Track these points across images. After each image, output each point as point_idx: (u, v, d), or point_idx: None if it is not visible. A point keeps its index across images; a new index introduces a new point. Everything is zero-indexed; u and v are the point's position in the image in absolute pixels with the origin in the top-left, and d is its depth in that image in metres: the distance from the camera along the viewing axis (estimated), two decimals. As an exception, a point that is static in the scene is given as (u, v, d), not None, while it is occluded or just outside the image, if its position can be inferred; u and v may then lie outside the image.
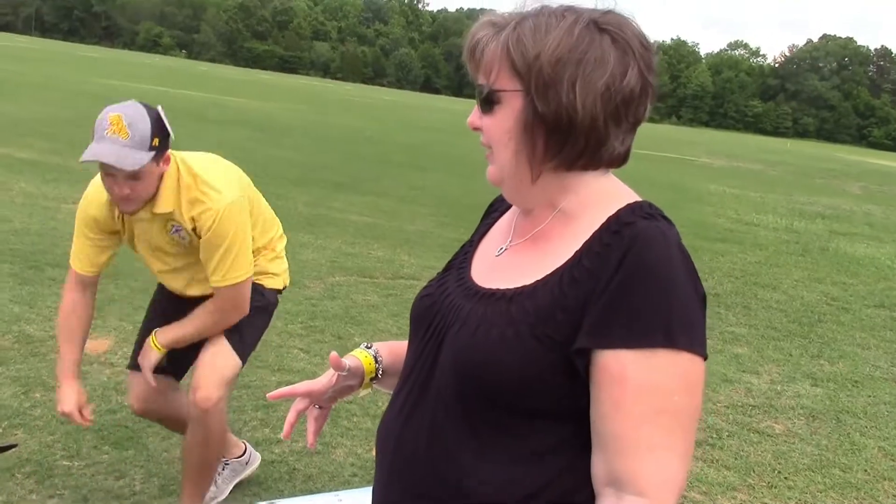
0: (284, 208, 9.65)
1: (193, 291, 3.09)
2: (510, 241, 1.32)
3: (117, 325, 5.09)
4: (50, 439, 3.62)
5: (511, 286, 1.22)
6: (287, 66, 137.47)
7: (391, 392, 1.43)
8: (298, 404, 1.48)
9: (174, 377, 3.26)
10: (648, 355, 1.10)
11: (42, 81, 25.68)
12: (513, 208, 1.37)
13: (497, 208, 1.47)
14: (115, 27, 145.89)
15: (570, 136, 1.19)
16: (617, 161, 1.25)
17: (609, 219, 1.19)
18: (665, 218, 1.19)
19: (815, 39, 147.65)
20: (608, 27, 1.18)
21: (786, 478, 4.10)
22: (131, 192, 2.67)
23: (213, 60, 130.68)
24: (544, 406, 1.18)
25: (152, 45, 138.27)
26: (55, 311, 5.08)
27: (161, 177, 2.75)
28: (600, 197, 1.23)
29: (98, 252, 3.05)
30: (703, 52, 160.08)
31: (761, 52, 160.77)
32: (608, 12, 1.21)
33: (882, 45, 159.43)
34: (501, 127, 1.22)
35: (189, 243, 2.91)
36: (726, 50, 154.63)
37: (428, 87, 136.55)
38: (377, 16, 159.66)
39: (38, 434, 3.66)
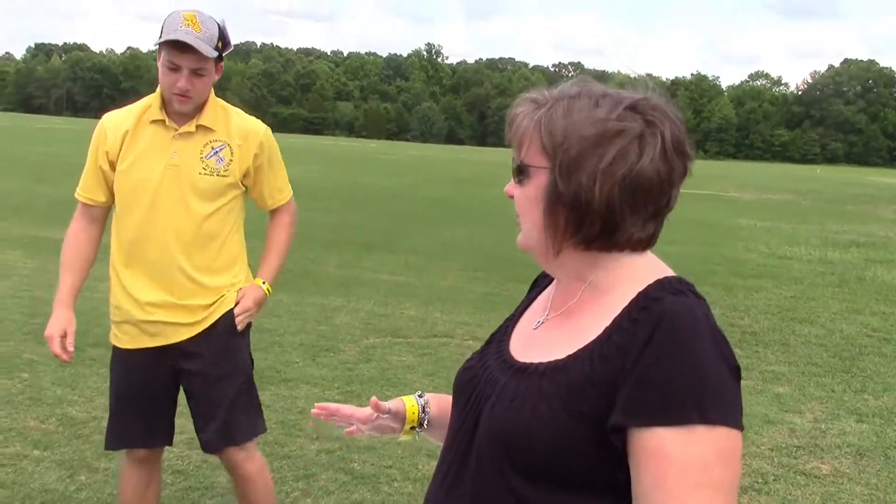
0: (316, 272, 9.77)
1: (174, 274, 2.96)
2: (546, 315, 1.37)
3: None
4: (96, 522, 3.66)
5: (544, 360, 1.26)
6: (312, 127, 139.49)
7: (438, 443, 1.51)
8: (338, 419, 1.63)
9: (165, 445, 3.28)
10: (685, 432, 1.12)
11: (77, 161, 26.19)
12: (554, 282, 1.42)
13: (541, 283, 1.52)
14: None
15: (587, 218, 1.24)
16: (638, 246, 1.29)
17: (638, 294, 1.22)
18: (695, 293, 1.23)
19: (837, 64, 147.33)
20: (643, 112, 1.24)
21: (836, 520, 4.02)
22: (191, 87, 2.79)
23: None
24: (580, 479, 1.20)
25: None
26: (97, 392, 5.20)
27: (211, 88, 2.89)
28: (631, 272, 1.27)
29: (101, 176, 2.99)
30: (724, 84, 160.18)
31: (783, 81, 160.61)
32: (647, 99, 1.26)
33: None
34: (528, 199, 1.29)
35: (225, 169, 2.93)
36: (748, 81, 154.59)
37: (452, 138, 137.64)
38: (398, 72, 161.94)
39: (84, 518, 3.70)
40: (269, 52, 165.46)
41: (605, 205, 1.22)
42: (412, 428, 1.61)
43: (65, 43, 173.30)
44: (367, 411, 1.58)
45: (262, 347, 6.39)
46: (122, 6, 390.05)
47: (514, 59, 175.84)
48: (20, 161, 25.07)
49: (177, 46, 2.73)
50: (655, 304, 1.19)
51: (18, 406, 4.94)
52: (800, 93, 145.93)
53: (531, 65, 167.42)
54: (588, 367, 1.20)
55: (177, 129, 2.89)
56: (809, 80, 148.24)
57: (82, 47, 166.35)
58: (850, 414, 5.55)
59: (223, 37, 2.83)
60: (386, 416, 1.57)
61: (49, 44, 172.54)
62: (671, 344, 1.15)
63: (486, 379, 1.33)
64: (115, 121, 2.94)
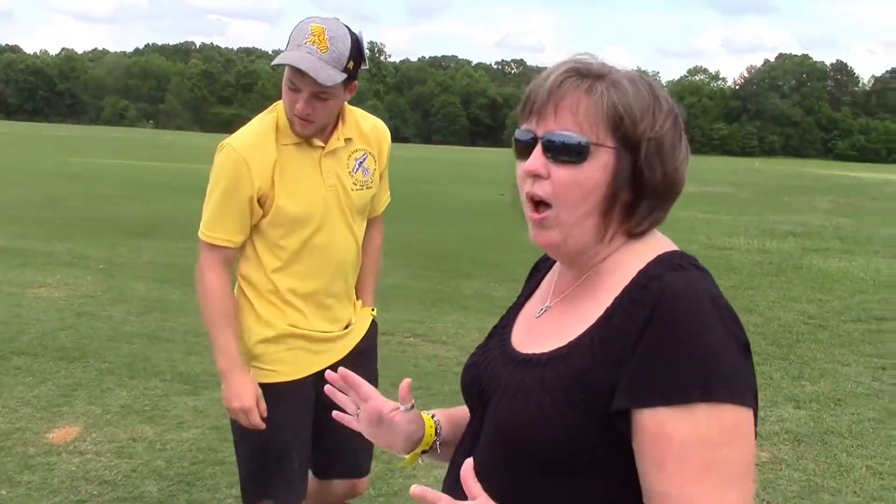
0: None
1: (347, 278, 2.76)
2: (549, 302, 1.31)
3: (86, 409, 4.97)
4: (16, 538, 3.50)
5: (546, 350, 1.21)
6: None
7: (445, 463, 1.42)
8: (354, 398, 1.45)
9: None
10: (688, 411, 1.07)
11: (6, 165, 25.54)
12: (555, 267, 1.36)
13: (541, 268, 1.45)
14: (79, 104, 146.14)
15: (663, 203, 1.22)
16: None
17: (638, 273, 1.17)
18: (697, 266, 1.18)
19: (772, 59, 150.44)
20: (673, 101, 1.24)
21: (775, 508, 4.03)
22: (312, 112, 2.48)
23: (180, 128, 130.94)
24: (589, 468, 1.15)
25: (119, 119, 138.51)
26: (21, 402, 5.01)
27: (342, 107, 2.61)
28: (633, 250, 1.23)
29: (247, 215, 2.59)
30: (664, 80, 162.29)
31: (721, 76, 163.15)
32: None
33: (838, 60, 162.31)
34: (582, 181, 1.18)
35: (371, 180, 2.73)
36: (686, 76, 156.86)
37: (397, 136, 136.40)
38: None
39: (3, 534, 3.54)
40: (209, 53, 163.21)
41: (680, 190, 1.22)
42: (423, 451, 1.44)
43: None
44: (390, 404, 1.41)
45: (196, 351, 6.25)
46: (54, 6, 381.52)
47: (456, 56, 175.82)
48: (-52, 166, 24.26)
49: (296, 70, 2.42)
50: (654, 283, 1.14)
51: (-63, 419, 4.73)
52: (737, 87, 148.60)
53: (474, 62, 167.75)
54: (589, 352, 1.15)
55: (323, 147, 2.60)
56: (746, 75, 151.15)
57: (14, 49, 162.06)
58: (787, 401, 5.60)
59: (356, 54, 2.48)
60: (406, 408, 1.39)
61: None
62: (671, 322, 1.10)
63: (489, 374, 1.29)
64: (257, 151, 2.54)
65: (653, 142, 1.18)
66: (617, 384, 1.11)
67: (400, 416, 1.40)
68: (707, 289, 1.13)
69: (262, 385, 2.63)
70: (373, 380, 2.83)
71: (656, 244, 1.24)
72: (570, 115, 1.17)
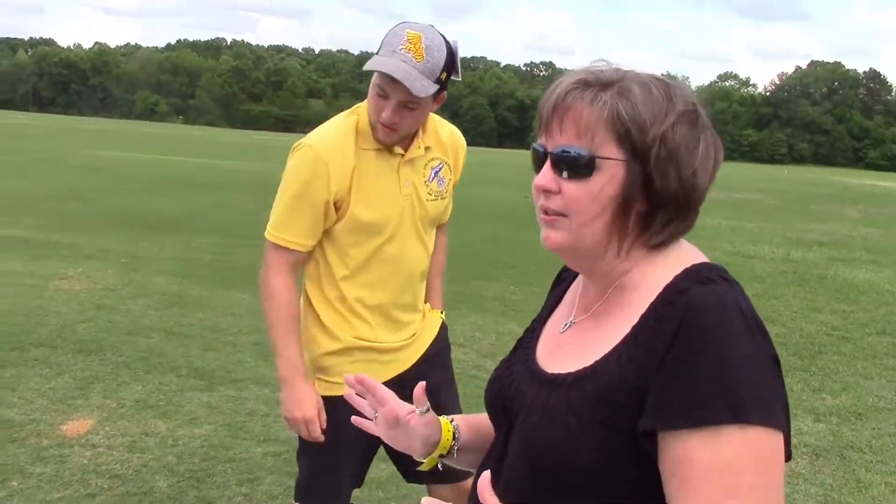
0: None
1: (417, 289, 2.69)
2: (574, 317, 1.28)
3: (101, 403, 4.99)
4: (25, 530, 3.51)
5: (572, 369, 1.17)
6: (283, 124, 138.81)
7: (467, 468, 1.41)
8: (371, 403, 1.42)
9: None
10: (714, 434, 1.02)
11: (34, 157, 25.87)
12: (579, 278, 1.32)
13: (565, 278, 1.42)
14: (111, 98, 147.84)
15: (681, 213, 1.16)
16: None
17: (665, 288, 1.13)
18: (725, 279, 1.13)
19: (804, 66, 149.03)
20: (696, 99, 1.18)
21: (790, 522, 3.96)
22: (399, 121, 2.38)
23: (209, 124, 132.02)
24: (617, 490, 1.11)
25: (149, 114, 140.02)
26: (38, 394, 5.04)
27: (427, 117, 2.51)
28: (660, 263, 1.18)
29: (321, 219, 2.48)
30: (693, 85, 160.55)
31: (751, 82, 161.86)
32: (685, 84, 1.20)
33: (870, 68, 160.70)
34: (593, 195, 1.14)
35: (445, 190, 2.64)
36: (717, 82, 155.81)
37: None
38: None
39: (12, 526, 3.55)
40: (240, 49, 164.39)
41: (702, 197, 1.16)
42: (440, 455, 1.41)
43: (31, 38, 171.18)
44: (406, 407, 1.38)
45: (214, 347, 6.26)
46: (88, 0, 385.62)
47: (485, 57, 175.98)
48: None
49: (389, 77, 2.29)
50: (681, 297, 1.09)
51: (-47, 408, 4.76)
52: (768, 94, 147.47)
53: (503, 64, 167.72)
54: (616, 372, 1.11)
55: (403, 155, 2.50)
56: (777, 82, 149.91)
57: (48, 42, 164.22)
58: (807, 413, 5.51)
59: (450, 64, 2.36)
60: (422, 411, 1.36)
61: (15, 38, 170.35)
62: (697, 339, 1.05)
63: (514, 392, 1.25)
64: (337, 154, 2.43)
65: (664, 148, 1.13)
66: (643, 404, 1.07)
67: (416, 419, 1.37)
68: (736, 301, 1.09)
69: (326, 398, 2.54)
70: (445, 385, 2.76)
71: (683, 256, 1.19)
72: (574, 129, 1.14)
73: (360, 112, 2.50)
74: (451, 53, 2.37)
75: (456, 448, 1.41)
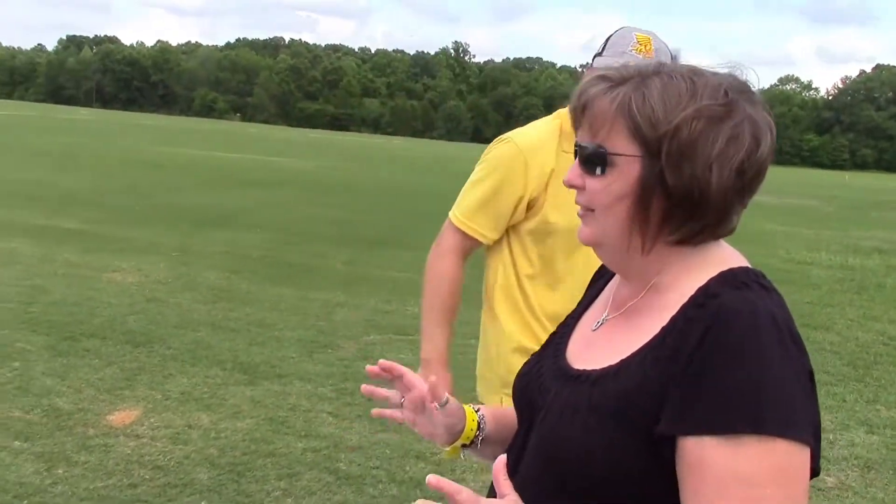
0: (322, 267, 9.69)
1: None
2: (606, 315, 1.26)
3: (147, 394, 5.06)
4: (68, 518, 3.57)
5: (598, 367, 1.15)
6: (338, 123, 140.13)
7: (487, 461, 1.35)
8: (397, 390, 1.39)
9: None
10: (733, 443, 0.99)
11: (96, 152, 26.47)
12: (616, 277, 1.31)
13: (602, 275, 1.40)
14: (171, 95, 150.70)
15: (698, 211, 1.11)
16: (728, 233, 1.17)
17: (698, 290, 1.10)
18: (762, 285, 1.09)
19: (869, 70, 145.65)
20: (745, 92, 1.12)
21: (838, 537, 3.85)
22: None
23: (266, 122, 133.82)
24: (632, 493, 1.09)
25: (208, 111, 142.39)
26: (86, 384, 5.13)
27: None
28: (696, 265, 1.14)
29: (509, 215, 2.41)
30: (753, 88, 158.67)
31: (813, 86, 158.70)
32: (736, 77, 1.14)
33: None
34: (611, 191, 1.13)
35: None
36: (777, 85, 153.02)
37: (478, 137, 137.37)
38: (425, 70, 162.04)
39: (56, 512, 3.60)
40: (298, 48, 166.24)
41: (721, 195, 1.09)
42: (463, 445, 1.40)
43: (95, 35, 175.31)
44: (423, 390, 1.34)
45: (259, 342, 6.32)
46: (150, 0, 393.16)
47: (541, 58, 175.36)
48: (41, 151, 25.22)
49: None
50: (712, 301, 1.06)
51: (5, 396, 4.86)
52: (830, 98, 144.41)
53: (559, 65, 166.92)
54: (641, 373, 1.08)
55: None
56: (840, 86, 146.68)
57: (113, 40, 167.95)
58: (860, 425, 5.36)
59: None
60: (441, 408, 1.35)
61: (80, 36, 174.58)
62: (724, 346, 1.01)
63: (539, 387, 1.24)
64: (538, 153, 2.37)
65: (675, 143, 1.08)
66: (664, 407, 1.04)
67: (437, 410, 1.36)
68: (770, 310, 1.04)
69: None
70: None
71: (721, 259, 1.15)
72: (592, 125, 1.14)
73: (562, 116, 2.42)
74: (674, 59, 2.32)
75: (480, 438, 1.40)
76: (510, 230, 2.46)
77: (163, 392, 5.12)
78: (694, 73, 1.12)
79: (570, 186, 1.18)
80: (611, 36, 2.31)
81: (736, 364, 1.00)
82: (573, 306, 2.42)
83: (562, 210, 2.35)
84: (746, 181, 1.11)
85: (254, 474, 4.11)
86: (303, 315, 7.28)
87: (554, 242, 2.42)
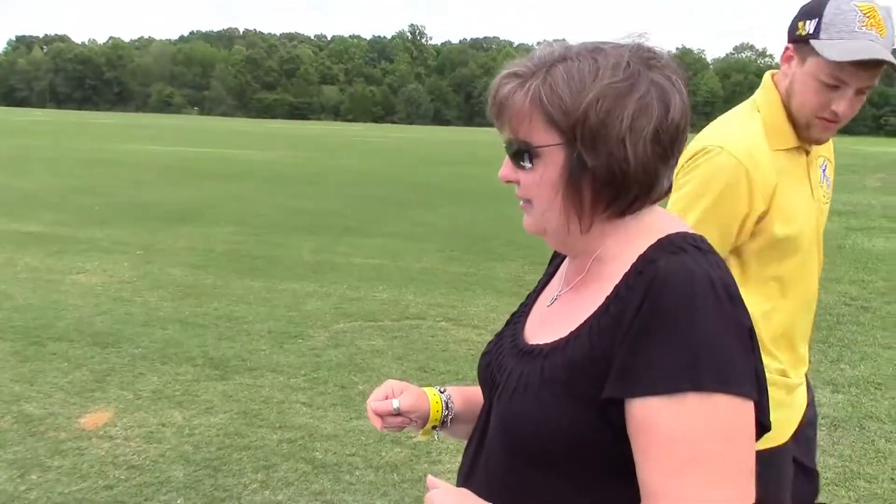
0: (289, 258, 9.65)
1: None
2: (559, 291, 1.30)
3: (118, 395, 5.03)
4: (44, 523, 3.55)
5: (550, 340, 1.19)
6: (298, 112, 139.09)
7: (460, 440, 1.43)
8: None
9: None
10: (677, 401, 1.02)
11: (53, 153, 26.06)
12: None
13: (557, 255, 1.44)
14: (127, 92, 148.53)
15: (624, 186, 1.14)
16: (662, 196, 1.21)
17: (638, 258, 1.13)
18: (698, 248, 1.13)
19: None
20: (647, 60, 1.14)
21: (808, 495, 3.93)
22: (850, 111, 2.01)
23: (224, 115, 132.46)
24: (590, 462, 1.12)
25: (165, 106, 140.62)
26: (56, 388, 5.08)
27: None
28: (636, 234, 1.18)
29: (733, 236, 2.04)
30: (709, 57, 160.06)
31: (768, 53, 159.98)
32: (639, 46, 1.16)
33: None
34: (543, 182, 1.17)
35: (830, 189, 2.29)
36: (733, 54, 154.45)
37: (439, 119, 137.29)
38: (382, 55, 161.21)
39: (32, 518, 3.58)
40: (252, 38, 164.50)
41: (641, 167, 1.13)
42: (433, 427, 1.46)
43: (45, 35, 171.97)
44: (387, 406, 1.42)
45: (228, 336, 6.29)
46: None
47: (498, 37, 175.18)
48: (-3, 155, 24.77)
49: (862, 63, 1.90)
50: (650, 267, 1.09)
51: (-28, 404, 4.81)
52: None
53: (516, 43, 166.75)
54: (588, 342, 1.12)
55: (808, 153, 2.13)
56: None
57: (63, 38, 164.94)
58: (826, 385, 5.47)
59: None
60: (395, 411, 1.41)
61: (30, 36, 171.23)
62: (662, 307, 1.05)
63: (499, 365, 1.27)
64: (759, 161, 2.01)
65: (587, 127, 1.12)
66: (609, 373, 1.08)
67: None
68: (706, 271, 1.07)
69: (760, 452, 2.16)
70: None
71: (659, 225, 1.19)
72: (512, 121, 1.17)
73: (759, 104, 2.12)
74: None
75: (450, 418, 1.45)
76: (731, 256, 2.09)
77: (134, 392, 5.10)
78: (596, 52, 1.14)
79: (507, 181, 1.22)
80: (821, 14, 1.95)
81: (673, 325, 1.04)
82: (798, 322, 2.21)
83: (789, 219, 2.05)
84: (665, 146, 1.14)
85: (230, 468, 4.11)
86: (271, 306, 7.26)
87: (779, 257, 2.08)
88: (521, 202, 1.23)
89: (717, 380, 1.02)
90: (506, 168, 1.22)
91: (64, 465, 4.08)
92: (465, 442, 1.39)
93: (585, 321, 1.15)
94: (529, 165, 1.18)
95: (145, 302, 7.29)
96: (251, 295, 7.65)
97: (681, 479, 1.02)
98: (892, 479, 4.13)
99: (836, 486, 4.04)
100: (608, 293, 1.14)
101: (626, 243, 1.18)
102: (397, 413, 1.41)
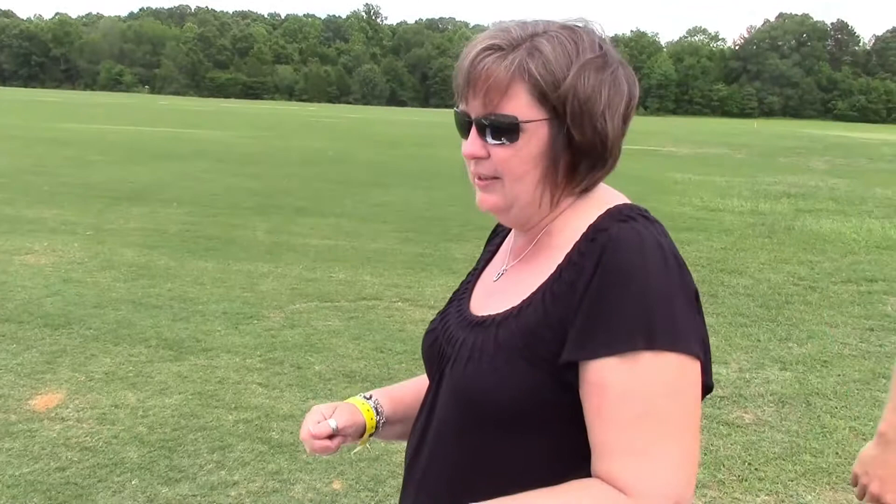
0: (244, 238, 9.56)
1: None
2: (506, 265, 1.31)
3: (69, 376, 4.96)
4: (-6, 506, 3.49)
5: (501, 310, 1.21)
6: (251, 92, 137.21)
7: (395, 440, 1.47)
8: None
9: None
10: (629, 360, 1.06)
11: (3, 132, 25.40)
12: (512, 232, 1.35)
13: (499, 232, 1.45)
14: (74, 69, 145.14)
15: (600, 160, 1.18)
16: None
17: (588, 227, 1.16)
18: (646, 217, 1.16)
19: (772, 19, 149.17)
20: (607, 42, 1.18)
21: (756, 469, 4.03)
22: None
23: (176, 94, 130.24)
24: (546, 426, 1.14)
25: (114, 84, 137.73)
26: (5, 370, 5.01)
27: None
28: (584, 207, 1.21)
29: None
30: (663, 41, 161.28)
31: (720, 36, 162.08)
32: (593, 27, 1.19)
33: (838, 19, 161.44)
34: (522, 157, 1.16)
35: None
36: (686, 37, 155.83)
37: (394, 100, 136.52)
38: (337, 34, 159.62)
39: (-18, 501, 3.53)
40: (204, 16, 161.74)
41: (616, 142, 1.18)
42: (370, 435, 1.45)
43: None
44: (322, 429, 1.39)
45: (183, 317, 6.23)
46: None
47: (454, 18, 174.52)
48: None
49: None
50: (601, 235, 1.12)
51: (-82, 387, 4.70)
52: (737, 48, 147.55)
53: (472, 24, 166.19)
54: (541, 309, 1.14)
55: None
56: (746, 35, 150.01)
57: (8, 13, 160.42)
58: (774, 363, 5.59)
59: None
60: (334, 430, 1.38)
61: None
62: (615, 272, 1.08)
63: (447, 339, 1.28)
64: None
65: (576, 101, 1.13)
66: (566, 338, 1.10)
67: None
68: (655, 237, 1.12)
69: None
70: None
71: (606, 199, 1.22)
72: (492, 94, 1.15)
73: None
74: None
75: (382, 423, 1.45)
76: None
77: (86, 373, 5.03)
78: (570, 30, 1.16)
79: (473, 158, 1.19)
80: None
81: (626, 287, 1.08)
82: None
83: None
84: (628, 122, 1.19)
85: (185, 449, 4.09)
86: (226, 287, 7.20)
87: None
88: (480, 179, 1.21)
89: (669, 339, 1.07)
90: (474, 144, 1.19)
91: (14, 446, 4.02)
92: (398, 442, 1.40)
93: (538, 289, 1.17)
94: (512, 140, 1.16)
95: (97, 283, 7.18)
96: (205, 276, 7.57)
97: (631, 432, 1.06)
98: (837, 453, 4.24)
99: (783, 460, 4.15)
100: (559, 262, 1.17)
101: (574, 216, 1.21)
102: (335, 433, 1.38)
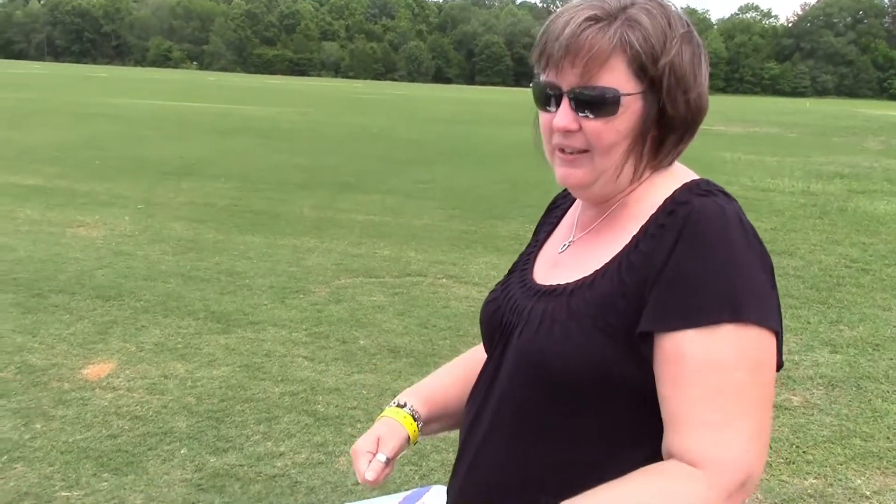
0: (290, 213, 9.64)
1: None
2: (573, 236, 1.30)
3: (120, 347, 5.06)
4: (49, 470, 3.58)
5: (572, 279, 1.20)
6: (297, 68, 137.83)
7: (437, 434, 1.48)
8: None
9: None
10: (709, 332, 1.05)
11: (52, 107, 25.87)
12: (576, 203, 1.35)
13: (559, 205, 1.45)
14: (125, 45, 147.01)
15: (687, 134, 1.20)
16: None
17: (665, 200, 1.16)
18: (725, 193, 1.15)
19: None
20: (685, 17, 1.18)
21: (804, 452, 3.98)
22: None
23: (224, 70, 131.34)
24: (614, 394, 1.14)
25: (163, 60, 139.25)
26: (58, 339, 5.12)
27: None
28: (659, 181, 1.21)
29: None
30: (713, 18, 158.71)
31: (773, 13, 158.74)
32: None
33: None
34: (615, 130, 1.16)
35: None
36: (737, 14, 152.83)
37: (440, 77, 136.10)
38: (383, 11, 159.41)
39: (37, 466, 3.62)
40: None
41: (703, 116, 1.20)
42: (414, 443, 1.47)
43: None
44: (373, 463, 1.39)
45: (230, 291, 6.31)
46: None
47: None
48: (-5, 107, 24.61)
49: None
50: (682, 208, 1.12)
51: (-24, 355, 4.83)
52: (790, 25, 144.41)
53: (518, 1, 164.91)
54: (616, 278, 1.14)
55: None
56: (800, 12, 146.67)
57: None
58: (824, 345, 5.49)
59: None
60: (386, 460, 1.38)
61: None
62: (698, 244, 1.08)
63: (512, 309, 1.27)
64: None
65: (673, 75, 1.14)
66: (642, 309, 1.09)
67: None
68: (736, 212, 1.11)
69: None
70: None
71: (681, 174, 1.22)
72: (592, 66, 1.13)
73: None
74: None
75: (421, 426, 1.46)
76: None
77: (136, 344, 5.12)
78: (655, 1, 1.16)
79: (566, 131, 1.17)
80: None
81: (710, 261, 1.07)
82: None
83: None
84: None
85: (232, 420, 4.15)
86: (273, 262, 7.27)
87: None
88: (565, 153, 1.20)
89: (754, 312, 1.06)
90: (566, 116, 1.16)
91: (68, 414, 4.12)
92: (436, 436, 1.40)
93: (612, 259, 1.16)
94: (610, 114, 1.14)
95: (146, 256, 7.30)
96: (252, 250, 7.65)
97: (707, 405, 1.05)
98: (889, 437, 4.17)
99: (832, 443, 4.08)
100: (634, 233, 1.16)
101: (650, 189, 1.20)
102: (387, 464, 1.38)
